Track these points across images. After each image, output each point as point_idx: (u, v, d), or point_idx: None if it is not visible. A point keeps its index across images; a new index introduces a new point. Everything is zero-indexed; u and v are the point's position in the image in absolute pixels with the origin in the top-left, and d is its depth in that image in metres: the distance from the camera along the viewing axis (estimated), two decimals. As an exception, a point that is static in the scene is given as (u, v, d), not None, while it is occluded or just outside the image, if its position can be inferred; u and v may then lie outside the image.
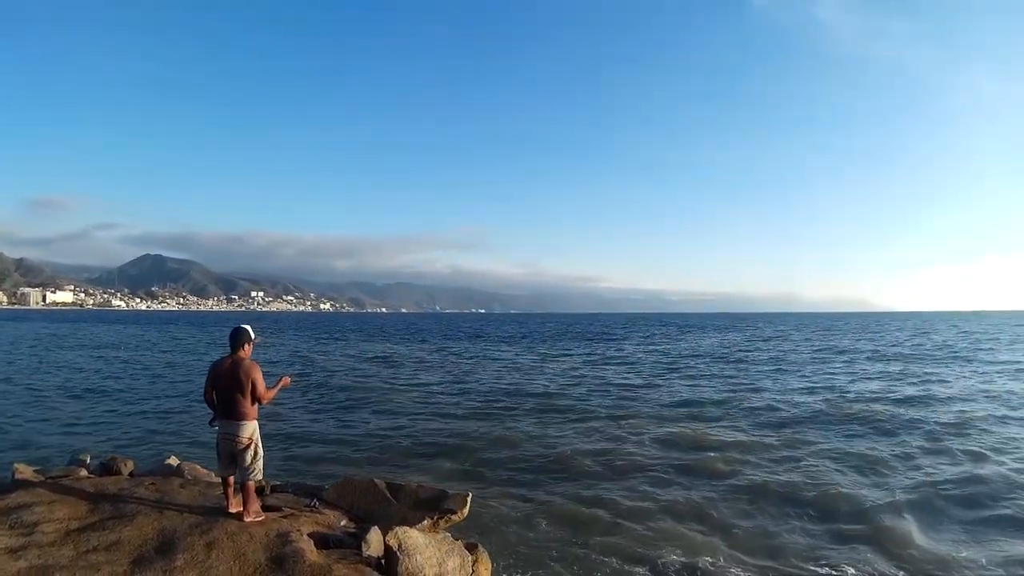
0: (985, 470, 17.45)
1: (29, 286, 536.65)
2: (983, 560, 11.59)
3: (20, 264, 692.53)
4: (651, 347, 70.24)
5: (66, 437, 20.89)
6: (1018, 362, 49.52)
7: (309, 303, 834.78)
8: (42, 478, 10.12)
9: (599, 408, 27.02)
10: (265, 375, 8.50)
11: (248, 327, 8.70)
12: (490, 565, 9.15)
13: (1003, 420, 24.51)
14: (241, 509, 8.34)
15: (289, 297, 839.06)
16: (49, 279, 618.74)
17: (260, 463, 8.49)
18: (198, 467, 11.64)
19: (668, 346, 72.16)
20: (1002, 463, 18.26)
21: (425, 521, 9.22)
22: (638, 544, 12.00)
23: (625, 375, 41.06)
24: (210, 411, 8.64)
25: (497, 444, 20.17)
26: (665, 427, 23.08)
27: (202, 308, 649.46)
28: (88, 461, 11.78)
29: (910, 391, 32.42)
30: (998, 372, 42.42)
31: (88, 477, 10.44)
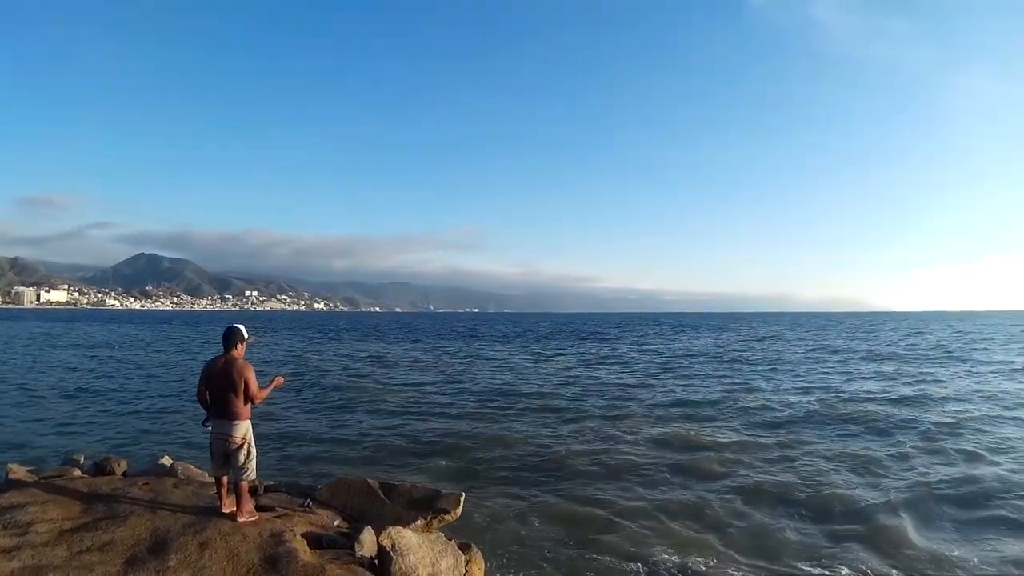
0: (979, 470, 17.50)
1: (23, 285, 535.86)
2: (978, 559, 11.62)
3: (14, 263, 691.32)
4: (645, 347, 70.31)
5: (60, 437, 20.86)
6: (1012, 362, 49.62)
7: (303, 302, 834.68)
8: (36, 478, 10.11)
9: (593, 408, 27.05)
10: (258, 375, 8.48)
11: (242, 327, 8.69)
12: (484, 565, 9.15)
13: (997, 420, 24.56)
14: (234, 509, 8.34)
15: (283, 296, 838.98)
16: (43, 278, 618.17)
17: (253, 463, 8.48)
18: (191, 467, 11.64)
19: (662, 346, 72.23)
20: (997, 463, 18.32)
21: (418, 521, 9.23)
22: (632, 544, 12.00)
23: (619, 375, 41.10)
24: (203, 411, 8.64)
25: (491, 444, 20.17)
26: (659, 427, 23.10)
27: (196, 307, 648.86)
28: (82, 461, 11.78)
29: (904, 391, 32.48)
30: (992, 372, 42.53)
31: (82, 477, 10.45)
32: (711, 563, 11.33)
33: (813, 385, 35.17)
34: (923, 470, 17.58)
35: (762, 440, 20.97)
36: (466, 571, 8.58)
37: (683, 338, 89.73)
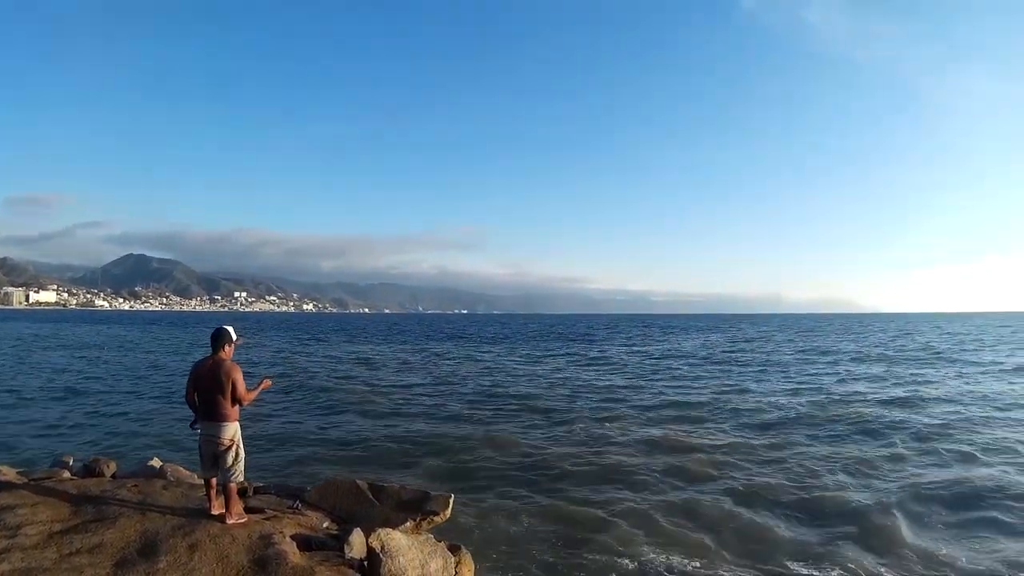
0: (971, 471, 17.62)
1: (12, 286, 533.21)
2: (970, 559, 11.72)
3: (3, 263, 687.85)
4: (635, 348, 70.41)
5: (49, 439, 20.82)
6: (1002, 363, 49.88)
7: (292, 303, 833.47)
8: (25, 480, 10.10)
9: (583, 409, 27.09)
10: (246, 376, 8.49)
11: (230, 328, 8.69)
12: (473, 566, 9.17)
13: (988, 421, 24.71)
14: (224, 511, 8.34)
15: (272, 297, 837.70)
16: (32, 278, 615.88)
17: (241, 465, 8.49)
18: (181, 469, 11.63)
19: (652, 347, 72.33)
20: (988, 464, 18.49)
21: (408, 522, 9.23)
22: (623, 545, 12.04)
23: (609, 376, 41.17)
24: (191, 413, 8.65)
25: (480, 446, 20.19)
26: (649, 429, 23.17)
27: (185, 308, 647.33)
28: (71, 463, 11.75)
29: (895, 392, 32.62)
30: (982, 373, 42.79)
31: (71, 479, 10.42)
32: (704, 564, 11.38)
33: (803, 386, 35.30)
34: (914, 471, 17.71)
35: (753, 441, 21.04)
36: (456, 572, 8.60)
37: (673, 339, 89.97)
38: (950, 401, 29.74)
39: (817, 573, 11.14)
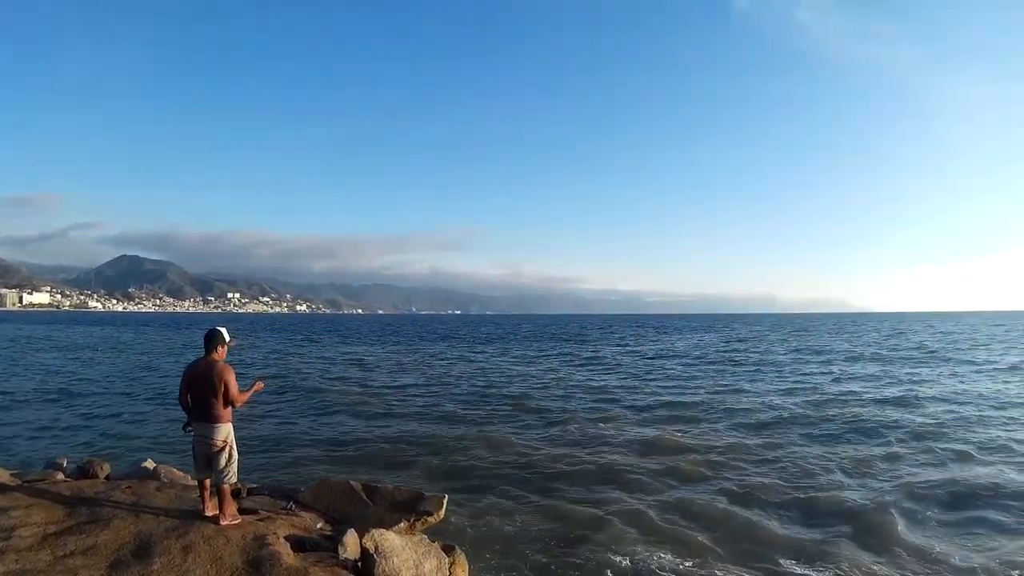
0: (967, 470, 17.69)
1: (5, 287, 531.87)
2: (966, 558, 11.74)
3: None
4: (628, 348, 70.44)
5: (42, 440, 20.79)
6: (995, 362, 50.04)
7: (285, 304, 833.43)
8: (19, 482, 10.08)
9: (576, 410, 27.09)
10: (239, 377, 8.50)
11: (223, 329, 8.69)
12: (467, 567, 9.19)
13: (983, 420, 24.75)
14: (217, 512, 8.35)
15: (265, 298, 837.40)
16: (25, 280, 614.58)
17: (235, 466, 8.49)
18: (174, 470, 11.64)
19: (645, 347, 72.38)
20: (984, 462, 18.55)
21: (402, 523, 9.26)
22: (618, 545, 12.06)
23: (603, 376, 41.22)
24: (184, 414, 8.66)
25: (473, 446, 20.20)
26: (644, 429, 23.20)
27: (178, 310, 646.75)
28: (65, 465, 11.75)
29: (889, 391, 32.69)
30: (976, 372, 42.92)
31: (65, 481, 10.41)
32: (699, 563, 11.40)
33: (797, 386, 35.36)
34: (910, 470, 17.75)
35: (748, 441, 21.09)
36: (450, 573, 8.63)
37: (666, 339, 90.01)
38: (945, 400, 29.79)
39: (812, 572, 11.16)
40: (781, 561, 11.57)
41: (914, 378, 39.14)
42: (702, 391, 33.43)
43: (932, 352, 61.22)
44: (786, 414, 25.98)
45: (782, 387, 35.09)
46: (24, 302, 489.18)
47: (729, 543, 12.43)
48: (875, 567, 11.30)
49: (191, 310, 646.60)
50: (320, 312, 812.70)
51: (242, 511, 8.82)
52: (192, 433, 8.55)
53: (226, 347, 8.64)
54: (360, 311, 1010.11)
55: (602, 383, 37.19)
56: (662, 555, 11.62)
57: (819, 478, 16.86)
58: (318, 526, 9.08)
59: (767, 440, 21.31)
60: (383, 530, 8.30)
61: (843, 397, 30.78)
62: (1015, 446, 20.37)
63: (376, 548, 7.72)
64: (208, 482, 8.52)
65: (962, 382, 36.92)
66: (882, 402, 29.19)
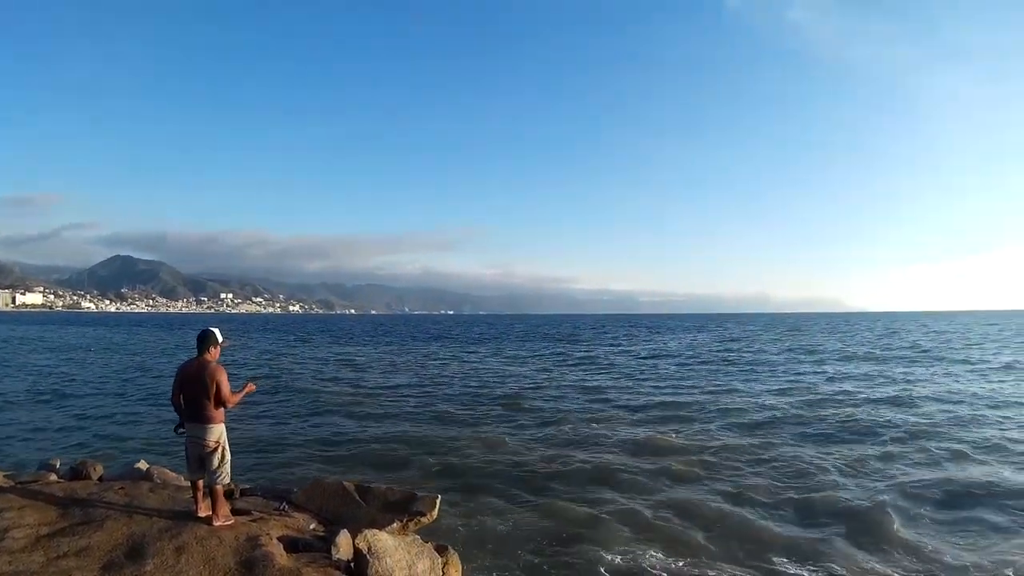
0: (961, 469, 17.77)
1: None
2: (961, 557, 11.79)
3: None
4: (621, 348, 70.55)
5: (35, 442, 20.76)
6: (989, 361, 50.27)
7: (278, 305, 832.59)
8: (12, 483, 10.07)
9: (569, 410, 27.12)
10: (231, 378, 8.50)
11: (216, 330, 8.68)
12: (460, 567, 9.19)
13: (978, 419, 24.84)
14: (210, 513, 8.35)
15: (258, 299, 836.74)
16: (19, 280, 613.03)
17: (228, 467, 8.50)
18: (167, 471, 11.63)
19: (638, 347, 72.47)
20: (979, 462, 18.66)
21: (394, 523, 9.25)
22: (611, 545, 12.07)
23: (596, 377, 41.25)
24: (176, 415, 8.67)
25: (466, 446, 20.20)
26: (637, 429, 23.23)
27: (171, 310, 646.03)
28: (58, 466, 11.72)
29: (884, 391, 32.80)
30: (970, 371, 43.09)
31: (58, 482, 10.40)
32: (694, 563, 11.44)
33: (791, 386, 35.44)
34: (904, 469, 17.82)
35: (742, 441, 21.11)
36: (443, 573, 8.63)
37: (659, 340, 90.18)
38: (939, 400, 29.88)
39: (807, 571, 11.21)
40: (775, 560, 11.62)
41: (908, 377, 39.28)
42: (696, 391, 33.48)
43: (926, 351, 61.48)
44: (780, 414, 26.04)
45: (776, 387, 35.16)
46: (17, 303, 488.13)
47: (723, 542, 12.47)
48: (869, 566, 11.36)
49: (184, 310, 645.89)
50: (313, 312, 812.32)
51: (235, 512, 8.83)
52: (184, 435, 8.57)
53: (219, 348, 8.65)
54: (353, 311, 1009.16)
55: (595, 383, 37.21)
56: (656, 554, 11.66)
57: (813, 478, 16.90)
58: (311, 527, 9.08)
59: (761, 440, 21.33)
60: (376, 531, 8.31)
61: (837, 397, 30.87)
62: (1009, 445, 20.47)
63: (369, 549, 7.73)
64: (201, 483, 8.52)
65: (956, 381, 37.06)
66: (876, 402, 29.28)
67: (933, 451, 19.70)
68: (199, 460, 8.39)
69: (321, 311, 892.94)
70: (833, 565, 11.34)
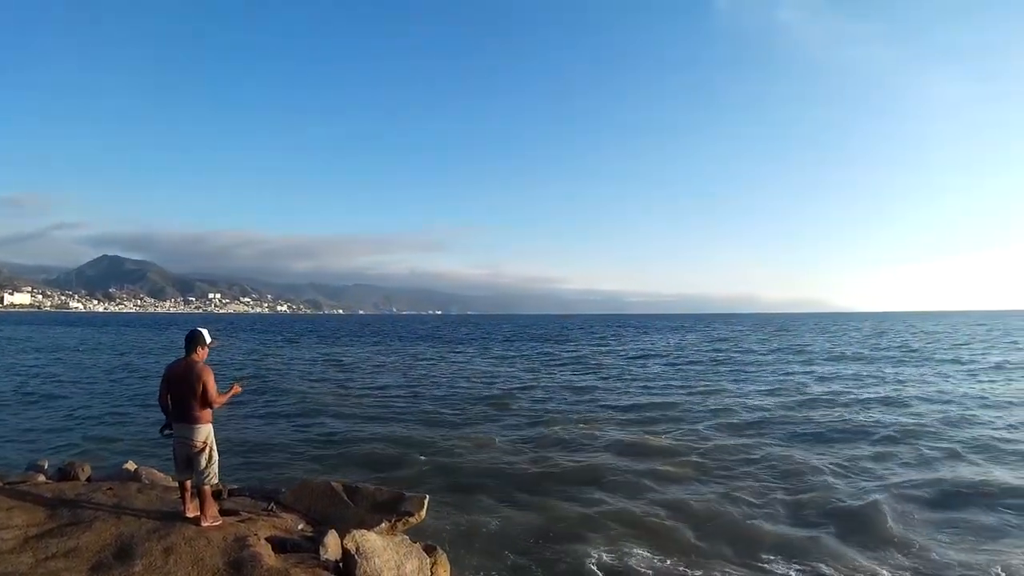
0: (952, 469, 17.83)
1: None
2: (951, 556, 11.84)
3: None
4: (610, 349, 70.62)
5: (23, 443, 20.67)
6: (978, 361, 50.54)
7: (266, 305, 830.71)
8: (0, 484, 10.09)
9: (557, 411, 27.16)
10: (218, 378, 8.52)
11: (204, 330, 8.71)
12: (449, 567, 9.23)
13: (968, 419, 24.90)
14: (199, 513, 8.36)
15: (246, 299, 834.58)
16: (6, 280, 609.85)
17: (215, 467, 8.52)
18: (155, 471, 11.64)
19: (627, 347, 72.53)
20: (970, 461, 18.74)
21: (383, 524, 9.28)
22: (600, 546, 12.09)
23: (584, 377, 41.28)
24: (163, 415, 8.68)
25: (454, 447, 20.18)
26: (625, 429, 23.26)
27: (159, 310, 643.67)
28: (46, 467, 11.72)
29: (873, 391, 32.97)
30: (960, 371, 43.25)
31: (46, 483, 10.40)
32: (685, 562, 11.46)
33: (780, 386, 35.50)
34: (895, 469, 17.91)
35: (731, 441, 21.15)
36: (431, 573, 8.67)
37: (648, 340, 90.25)
38: (929, 400, 29.99)
39: (797, 569, 11.25)
40: (765, 558, 11.68)
41: (898, 377, 39.49)
42: (684, 391, 33.54)
43: (915, 351, 61.80)
44: (769, 414, 26.10)
45: (765, 387, 35.25)
46: (5, 303, 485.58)
47: (713, 541, 12.51)
48: (859, 564, 11.42)
49: (172, 310, 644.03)
50: (301, 312, 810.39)
51: (223, 512, 8.85)
52: (169, 436, 8.59)
53: (207, 348, 8.68)
54: (341, 311, 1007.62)
55: (584, 383, 37.25)
56: (645, 554, 11.69)
57: (803, 477, 16.92)
58: (299, 527, 9.10)
59: (751, 440, 21.38)
60: (364, 531, 8.34)
61: (827, 397, 30.97)
62: (999, 445, 20.58)
63: (357, 549, 7.76)
64: (189, 483, 8.54)
65: (946, 381, 37.23)
66: (866, 401, 29.41)
67: (923, 451, 19.78)
68: (187, 460, 8.40)
69: (309, 311, 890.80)
70: (823, 564, 11.39)
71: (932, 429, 22.91)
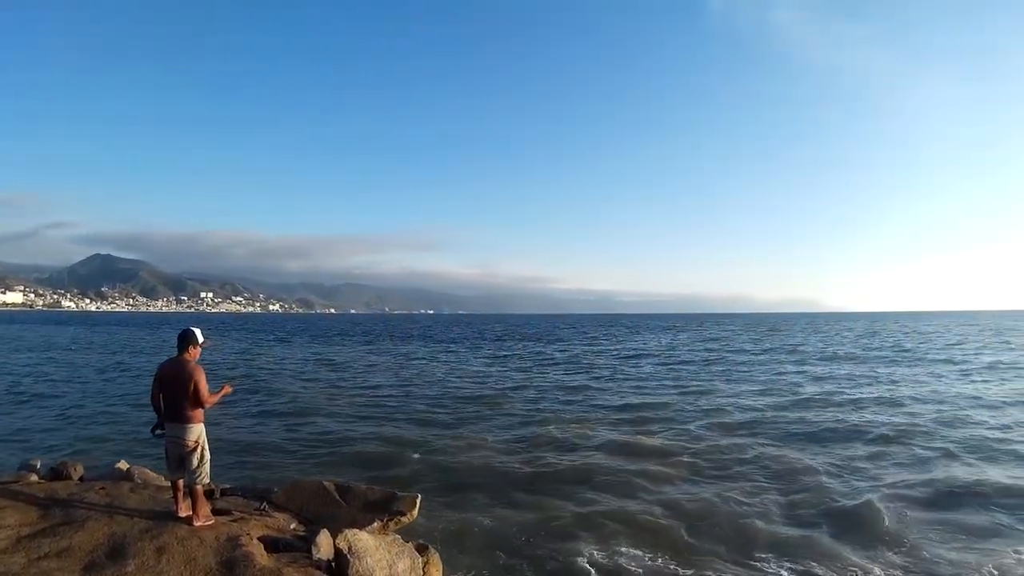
0: (945, 468, 17.85)
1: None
2: (944, 556, 11.88)
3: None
4: (602, 348, 70.61)
5: (15, 442, 20.59)
6: (970, 361, 50.70)
7: (258, 304, 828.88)
8: (-9, 484, 10.08)
9: (550, 411, 27.16)
10: (210, 378, 8.54)
11: (197, 330, 8.73)
12: (441, 566, 9.26)
13: (962, 419, 24.92)
14: (191, 513, 8.38)
15: (238, 298, 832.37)
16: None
17: (207, 466, 8.54)
18: (148, 471, 11.64)
19: (619, 347, 72.54)
20: (964, 461, 18.74)
21: (375, 523, 9.30)
22: (594, 545, 12.12)
23: (576, 377, 41.27)
24: (155, 415, 8.69)
25: (446, 447, 20.16)
26: (618, 429, 23.28)
27: (152, 309, 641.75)
28: (38, 466, 11.72)
29: (866, 391, 33.04)
30: (953, 371, 43.36)
31: (38, 482, 10.39)
32: (679, 562, 11.47)
33: (773, 386, 35.56)
34: (888, 468, 17.94)
35: (723, 441, 21.17)
36: (423, 573, 8.69)
37: (640, 339, 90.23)
38: (923, 399, 30.04)
39: (790, 568, 11.28)
40: (759, 556, 11.72)
41: (891, 377, 39.56)
42: (677, 391, 33.58)
43: (907, 351, 61.92)
44: (762, 414, 26.12)
45: (758, 387, 35.29)
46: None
47: (706, 540, 12.54)
48: (853, 563, 11.45)
49: (164, 310, 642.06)
50: (293, 312, 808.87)
51: (215, 512, 8.86)
52: (160, 436, 8.61)
53: (199, 347, 8.69)
54: (333, 311, 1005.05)
55: (576, 383, 37.26)
56: (637, 553, 11.72)
57: (797, 477, 16.95)
58: (291, 527, 9.12)
59: (742, 440, 21.39)
60: (356, 530, 8.36)
61: (820, 396, 31.01)
62: (993, 445, 20.63)
63: (349, 548, 7.78)
64: (181, 483, 8.56)
65: (939, 381, 37.33)
66: (859, 401, 29.47)
67: (917, 451, 19.82)
68: (179, 460, 8.42)
69: (301, 310, 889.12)
70: (815, 563, 11.42)
71: (925, 429, 22.94)
